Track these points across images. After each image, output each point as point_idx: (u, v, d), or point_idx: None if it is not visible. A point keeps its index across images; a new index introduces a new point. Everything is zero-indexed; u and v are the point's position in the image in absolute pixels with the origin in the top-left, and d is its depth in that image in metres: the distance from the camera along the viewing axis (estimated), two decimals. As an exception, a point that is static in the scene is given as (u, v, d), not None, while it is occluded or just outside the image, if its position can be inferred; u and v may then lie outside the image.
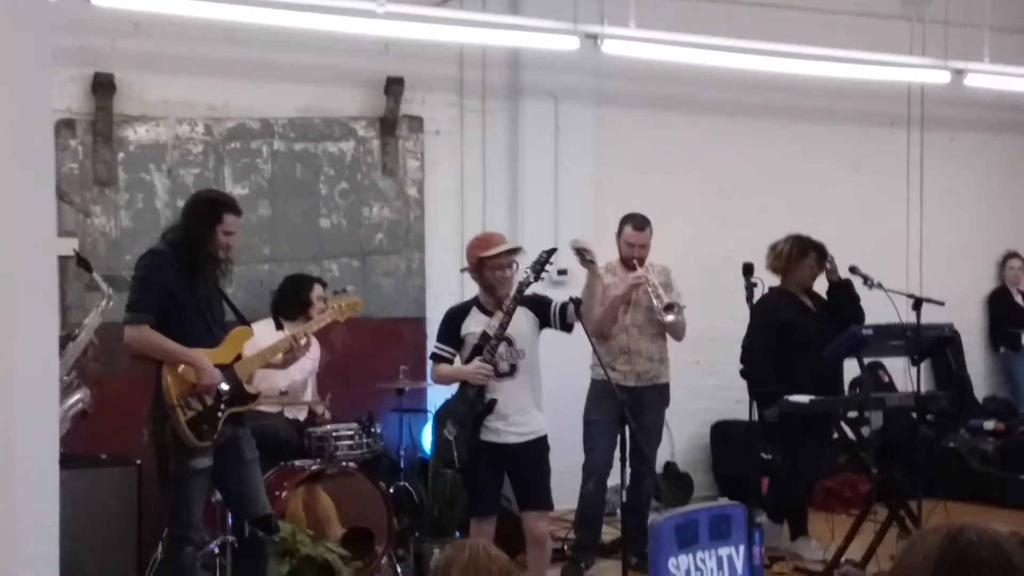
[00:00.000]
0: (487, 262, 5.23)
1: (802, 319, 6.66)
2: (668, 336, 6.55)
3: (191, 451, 4.75)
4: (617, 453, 6.33)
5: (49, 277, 3.81)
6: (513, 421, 5.21)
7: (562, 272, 6.98)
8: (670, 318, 6.32)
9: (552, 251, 5.26)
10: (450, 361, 5.35)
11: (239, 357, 4.97)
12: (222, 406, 4.83)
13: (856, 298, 6.70)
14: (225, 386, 4.83)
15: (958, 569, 1.58)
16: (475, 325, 5.26)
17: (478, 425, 5.19)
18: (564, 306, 5.27)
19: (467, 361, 5.26)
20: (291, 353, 5.19)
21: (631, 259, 6.43)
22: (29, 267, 3.61)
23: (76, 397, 5.48)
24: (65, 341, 5.14)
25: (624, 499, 5.13)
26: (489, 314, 5.25)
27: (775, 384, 6.47)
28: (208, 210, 4.90)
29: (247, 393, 4.98)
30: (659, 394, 6.50)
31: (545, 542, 5.31)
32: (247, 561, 5.10)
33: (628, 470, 5.08)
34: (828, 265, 6.70)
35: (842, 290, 6.74)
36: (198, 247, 4.85)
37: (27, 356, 3.52)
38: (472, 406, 5.20)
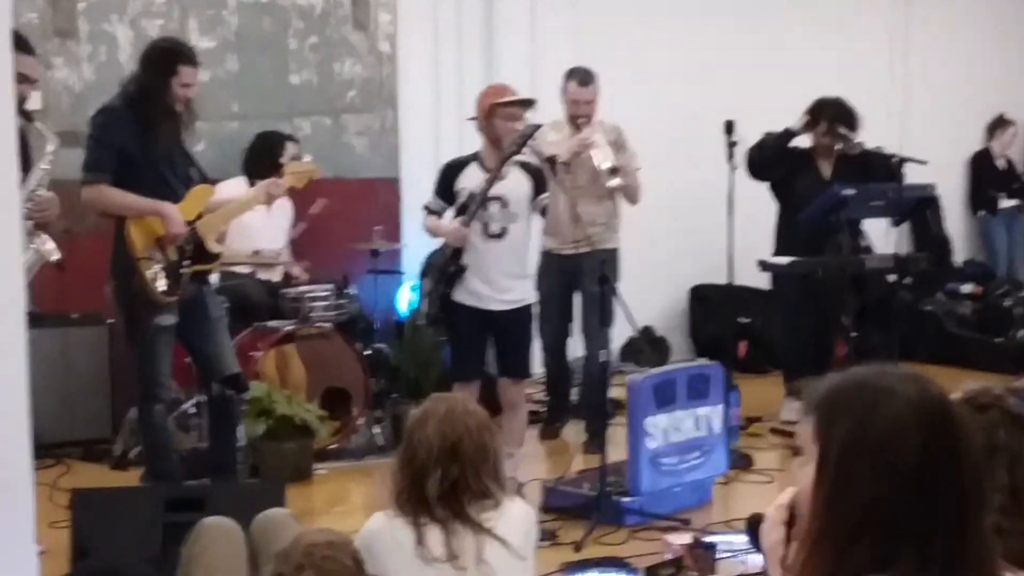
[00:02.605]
0: (498, 109, 4.99)
1: (804, 179, 6.48)
2: (622, 199, 6.23)
3: (155, 308, 4.68)
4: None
5: (8, 131, 3.62)
6: (498, 287, 5.04)
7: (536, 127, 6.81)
8: (615, 182, 5.93)
9: (536, 127, 5.04)
10: (439, 215, 5.16)
11: (200, 215, 4.84)
12: (185, 262, 4.74)
13: (880, 171, 6.38)
14: (188, 245, 4.75)
15: (944, 433, 1.49)
16: (469, 181, 5.05)
17: (449, 284, 5.04)
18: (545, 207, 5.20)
19: (455, 217, 5.10)
20: (270, 200, 5.14)
21: (577, 117, 6.04)
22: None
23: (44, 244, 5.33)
24: None
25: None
26: (488, 171, 5.01)
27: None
28: (162, 61, 4.71)
29: (209, 252, 4.87)
30: (606, 260, 6.06)
31: (518, 408, 5.24)
32: (218, 420, 5.07)
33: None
34: (842, 139, 6.43)
35: (860, 163, 6.48)
36: (153, 100, 4.68)
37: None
38: (445, 265, 5.06)
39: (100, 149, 4.71)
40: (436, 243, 5.34)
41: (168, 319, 4.76)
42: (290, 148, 6.46)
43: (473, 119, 5.17)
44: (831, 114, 6.48)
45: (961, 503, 1.49)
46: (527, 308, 5.20)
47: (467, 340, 5.13)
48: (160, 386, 4.83)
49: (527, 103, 5.10)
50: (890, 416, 1.50)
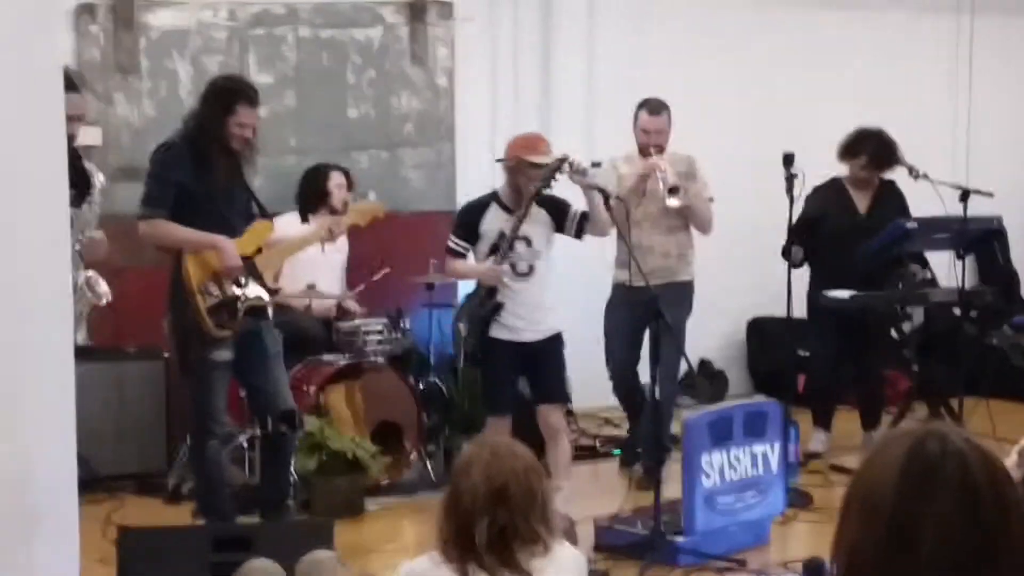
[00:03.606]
0: (523, 166, 5.10)
1: (835, 213, 6.42)
2: (695, 230, 6.18)
3: (211, 342, 4.69)
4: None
5: (59, 170, 3.67)
6: (531, 319, 5.18)
7: (596, 164, 6.77)
8: (673, 202, 5.76)
9: (562, 160, 5.05)
10: (463, 256, 5.29)
11: (259, 251, 4.87)
12: (242, 297, 4.75)
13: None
14: (245, 279, 4.77)
15: (920, 484, 1.49)
16: (494, 221, 5.17)
17: (485, 325, 5.14)
18: (584, 216, 5.21)
19: (486, 257, 5.20)
20: (332, 238, 5.16)
21: (648, 147, 5.95)
22: (36, 163, 3.46)
23: (98, 286, 5.37)
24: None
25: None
26: (509, 211, 5.16)
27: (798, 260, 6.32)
28: (220, 99, 4.74)
29: (267, 287, 4.91)
30: (675, 294, 5.94)
31: (560, 435, 5.27)
32: (271, 457, 5.07)
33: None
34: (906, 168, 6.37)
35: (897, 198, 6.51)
36: (210, 137, 4.71)
37: (38, 249, 3.42)
38: (481, 306, 5.15)
39: (158, 185, 4.77)
40: (465, 285, 5.37)
41: (224, 354, 4.76)
42: (335, 177, 6.47)
43: (500, 160, 5.26)
44: (873, 147, 6.38)
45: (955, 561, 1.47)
46: (559, 336, 5.29)
47: (502, 374, 5.24)
48: (215, 421, 4.83)
49: (556, 165, 5.06)
50: (874, 471, 1.54)
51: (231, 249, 4.73)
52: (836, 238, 6.33)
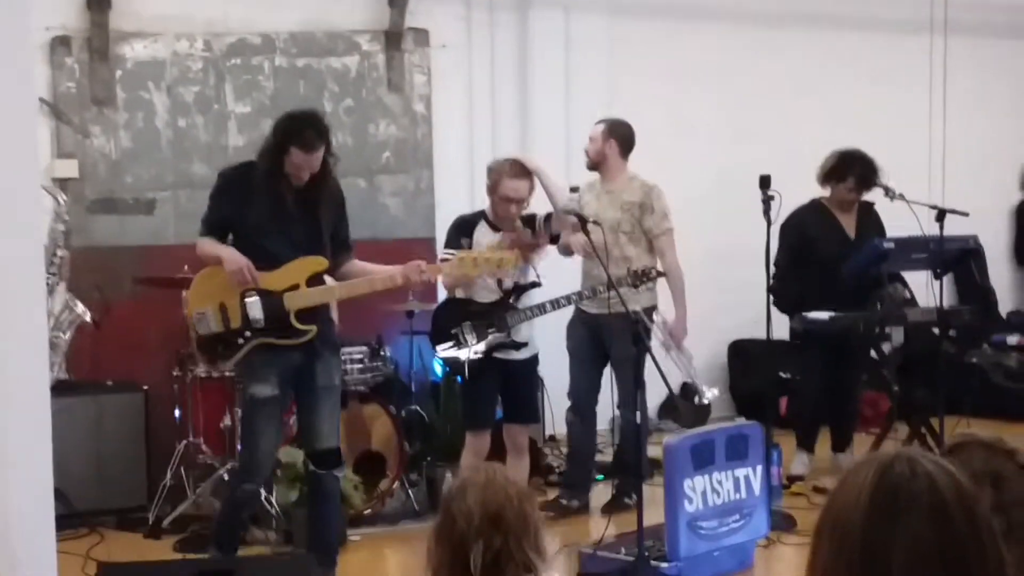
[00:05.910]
0: (500, 194, 5.26)
1: (824, 237, 6.45)
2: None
3: (252, 377, 4.60)
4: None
5: (33, 203, 3.65)
6: (520, 339, 5.36)
7: (574, 189, 6.78)
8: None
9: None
10: None
11: (295, 287, 4.61)
12: (247, 332, 4.58)
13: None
14: (259, 313, 4.55)
15: (890, 506, 1.50)
16: (483, 237, 5.32)
17: (494, 351, 5.28)
18: (548, 216, 5.37)
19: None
20: (410, 286, 4.98)
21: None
22: (11, 197, 3.44)
23: (76, 306, 5.35)
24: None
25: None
26: (497, 230, 5.35)
27: (790, 303, 6.36)
28: (278, 138, 4.55)
29: (292, 325, 4.60)
30: (626, 322, 5.70)
31: (524, 453, 5.48)
32: (312, 498, 4.84)
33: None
34: (884, 190, 6.30)
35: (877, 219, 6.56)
36: (262, 173, 4.56)
37: (14, 286, 3.40)
38: (498, 333, 5.26)
39: (208, 210, 4.73)
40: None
41: (264, 390, 4.55)
42: None
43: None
44: (860, 169, 6.40)
45: None
46: (536, 357, 5.47)
47: (488, 390, 5.38)
48: (256, 464, 4.62)
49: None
50: (844, 496, 1.54)
51: (232, 255, 4.53)
52: (830, 263, 6.34)
